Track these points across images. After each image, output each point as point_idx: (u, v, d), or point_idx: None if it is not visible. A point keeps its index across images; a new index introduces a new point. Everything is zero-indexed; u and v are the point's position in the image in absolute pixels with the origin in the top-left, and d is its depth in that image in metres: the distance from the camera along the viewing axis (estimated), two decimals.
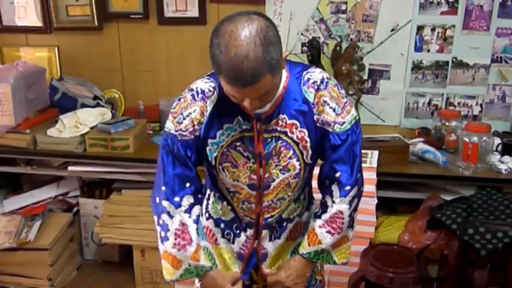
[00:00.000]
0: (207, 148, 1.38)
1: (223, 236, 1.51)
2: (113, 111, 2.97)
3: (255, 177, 1.38)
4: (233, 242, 1.50)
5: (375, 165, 2.31)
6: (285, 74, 1.34)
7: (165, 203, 1.42)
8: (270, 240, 1.50)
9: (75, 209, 2.95)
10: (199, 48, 2.91)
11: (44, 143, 2.66)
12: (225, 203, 1.48)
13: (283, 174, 1.39)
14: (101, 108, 2.89)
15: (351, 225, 1.47)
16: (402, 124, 2.88)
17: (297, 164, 1.38)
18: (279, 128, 1.35)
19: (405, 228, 2.36)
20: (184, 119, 1.36)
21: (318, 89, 1.35)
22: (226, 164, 1.37)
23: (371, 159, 2.36)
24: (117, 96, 3.07)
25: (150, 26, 2.95)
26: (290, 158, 1.37)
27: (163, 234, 1.44)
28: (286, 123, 1.35)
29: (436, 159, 2.47)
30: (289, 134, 1.35)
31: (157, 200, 1.44)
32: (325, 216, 1.43)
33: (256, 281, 1.57)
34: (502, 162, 2.45)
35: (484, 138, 2.44)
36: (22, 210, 2.83)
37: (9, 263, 2.65)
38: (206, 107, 1.35)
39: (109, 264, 2.97)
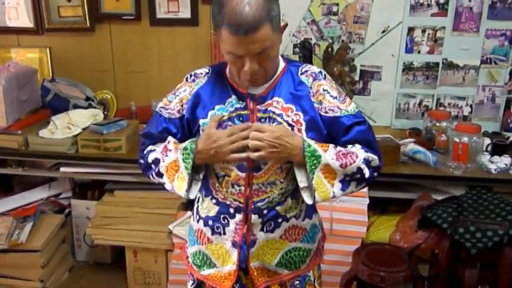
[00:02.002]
0: (200, 130, 1.42)
1: (213, 233, 1.51)
2: (105, 112, 2.97)
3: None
4: (224, 233, 1.48)
5: None
6: (282, 62, 1.43)
7: (149, 147, 1.50)
8: (262, 230, 1.46)
9: (67, 211, 2.94)
10: (191, 49, 2.92)
11: (36, 144, 2.65)
12: (209, 197, 1.49)
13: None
14: (93, 109, 2.89)
15: (351, 178, 1.40)
16: (393, 125, 2.90)
17: None
18: (273, 109, 1.39)
19: (396, 228, 2.37)
20: (174, 98, 1.47)
21: (315, 79, 1.41)
22: None
23: None
24: (109, 97, 3.07)
25: (142, 27, 2.96)
26: None
27: (156, 169, 1.47)
28: (282, 106, 1.39)
29: (427, 159, 2.49)
30: (284, 117, 1.39)
31: (140, 155, 1.53)
32: (342, 148, 1.41)
33: (245, 285, 1.55)
34: (492, 162, 2.47)
35: (474, 138, 2.46)
36: (14, 212, 2.81)
37: (1, 265, 2.64)
38: (194, 86, 1.44)
39: (101, 265, 2.97)
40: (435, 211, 2.20)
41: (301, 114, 1.39)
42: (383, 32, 2.76)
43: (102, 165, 2.66)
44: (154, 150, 1.48)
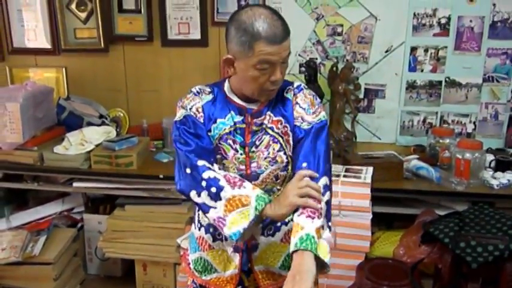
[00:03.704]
0: None
1: (215, 239, 1.57)
2: (118, 130, 3.07)
3: (243, 167, 1.49)
4: (226, 239, 1.54)
5: (369, 181, 2.37)
6: None
7: (200, 162, 1.41)
8: (263, 234, 1.55)
9: (79, 225, 3.00)
10: (201, 69, 3.02)
11: (51, 159, 2.74)
12: None
13: (271, 165, 1.50)
14: (106, 126, 2.99)
15: (326, 216, 1.39)
16: (398, 142, 2.95)
17: (284, 157, 1.51)
18: (266, 123, 1.51)
19: (400, 243, 2.40)
20: (190, 109, 1.50)
21: (295, 93, 1.54)
22: (217, 156, 1.49)
23: (365, 175, 2.42)
24: (121, 115, 3.17)
25: (154, 47, 3.06)
26: (278, 150, 1.50)
27: (214, 190, 1.36)
28: (272, 119, 1.51)
29: (430, 175, 2.52)
30: (275, 130, 1.51)
31: (189, 164, 1.41)
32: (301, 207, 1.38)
33: (248, 287, 1.60)
34: (495, 178, 2.49)
35: (476, 154, 2.50)
36: (28, 226, 2.88)
37: (15, 277, 2.69)
38: (202, 100, 1.52)
39: (112, 278, 3.02)
40: (437, 226, 2.23)
41: (288, 126, 1.51)
42: (386, 51, 2.83)
43: (113, 180, 2.73)
44: (211, 169, 1.41)
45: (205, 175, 1.39)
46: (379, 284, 2.07)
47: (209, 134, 1.50)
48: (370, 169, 2.47)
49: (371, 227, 2.47)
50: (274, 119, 1.51)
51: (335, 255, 2.45)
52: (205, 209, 1.39)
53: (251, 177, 1.49)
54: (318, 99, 1.57)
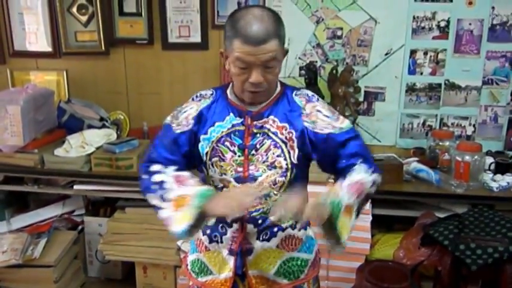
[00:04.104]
0: (199, 145, 1.51)
1: (211, 241, 1.57)
2: (118, 132, 3.07)
3: (241, 169, 1.49)
4: (221, 241, 1.55)
5: None
6: (279, 86, 1.54)
7: (154, 167, 1.48)
8: (258, 239, 1.53)
9: (80, 227, 3.01)
10: (201, 72, 3.03)
11: (51, 162, 2.75)
12: None
13: (270, 170, 1.48)
14: (107, 129, 2.99)
15: (363, 203, 1.47)
16: (398, 144, 2.95)
17: (284, 162, 1.48)
18: (269, 127, 1.49)
19: (400, 245, 2.40)
20: (181, 114, 1.55)
21: (308, 101, 1.53)
22: (214, 159, 1.49)
23: None
24: (122, 117, 3.18)
25: (155, 50, 3.07)
26: (278, 156, 1.48)
27: (162, 192, 1.42)
28: (277, 125, 1.49)
29: (430, 177, 2.53)
30: (279, 135, 1.49)
31: (143, 170, 1.49)
32: (349, 180, 1.42)
33: None
34: (494, 181, 2.51)
35: (476, 157, 2.51)
36: (28, 228, 2.88)
37: (15, 280, 2.70)
38: (200, 105, 1.54)
39: (112, 281, 3.02)
40: (437, 228, 2.24)
41: (294, 132, 1.49)
42: (386, 54, 2.84)
43: (114, 183, 2.74)
44: (162, 172, 1.47)
45: (155, 178, 1.46)
46: (379, 286, 2.07)
47: (205, 136, 1.50)
48: None
49: (371, 229, 2.49)
50: (280, 124, 1.49)
51: (335, 257, 2.46)
52: (157, 210, 1.45)
53: (248, 179, 1.49)
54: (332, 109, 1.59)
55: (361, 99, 2.90)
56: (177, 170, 1.48)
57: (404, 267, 2.22)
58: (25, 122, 2.71)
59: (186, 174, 1.47)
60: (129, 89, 3.18)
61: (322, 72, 2.91)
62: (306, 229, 1.63)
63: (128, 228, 2.74)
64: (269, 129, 1.49)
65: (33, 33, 3.17)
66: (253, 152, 1.49)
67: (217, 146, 1.50)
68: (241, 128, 1.50)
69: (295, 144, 1.49)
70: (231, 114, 1.51)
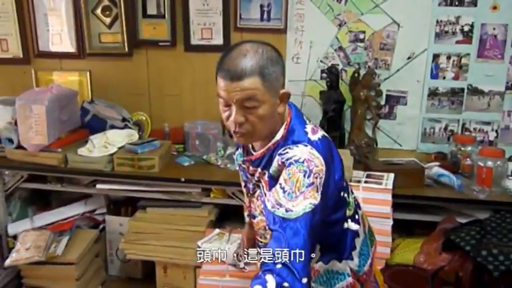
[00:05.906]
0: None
1: None
2: (140, 133, 3.10)
3: (247, 200, 1.58)
4: None
5: (391, 187, 2.38)
6: (282, 131, 1.39)
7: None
8: None
9: (101, 226, 3.04)
10: None
11: (74, 161, 2.78)
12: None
13: (261, 215, 1.48)
14: (129, 129, 3.03)
15: None
16: (419, 148, 2.94)
17: None
18: (258, 177, 1.45)
19: (421, 250, 2.40)
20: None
21: (283, 165, 1.32)
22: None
23: (387, 181, 2.43)
24: (144, 118, 3.21)
25: (177, 52, 3.10)
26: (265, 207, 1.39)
27: None
28: (265, 179, 1.42)
29: (451, 182, 2.52)
30: (264, 190, 1.43)
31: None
32: None
33: None
34: None
35: (498, 162, 2.49)
36: (51, 226, 2.93)
37: (38, 276, 2.75)
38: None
39: (132, 280, 3.05)
40: (459, 234, 2.24)
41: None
42: (408, 58, 2.83)
43: (135, 182, 2.78)
44: None
45: None
46: None
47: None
48: (391, 175, 2.47)
49: (391, 234, 2.48)
50: (266, 179, 1.40)
51: None
52: None
53: (251, 215, 1.55)
54: (309, 180, 1.25)
55: (382, 102, 2.90)
56: None
57: (424, 272, 2.22)
58: (49, 122, 2.75)
59: None
60: (151, 90, 3.22)
61: (344, 76, 2.91)
62: (327, 263, 1.50)
63: (148, 227, 2.76)
64: (259, 180, 1.46)
65: (57, 34, 3.22)
66: (251, 192, 1.53)
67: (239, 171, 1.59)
68: (244, 166, 1.53)
69: None
70: (240, 149, 1.56)
